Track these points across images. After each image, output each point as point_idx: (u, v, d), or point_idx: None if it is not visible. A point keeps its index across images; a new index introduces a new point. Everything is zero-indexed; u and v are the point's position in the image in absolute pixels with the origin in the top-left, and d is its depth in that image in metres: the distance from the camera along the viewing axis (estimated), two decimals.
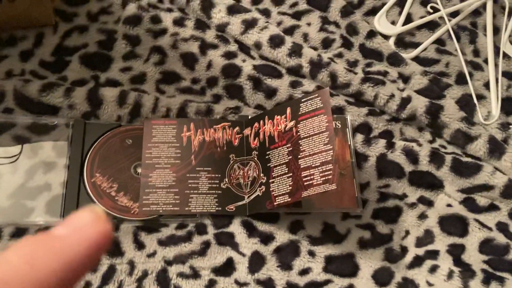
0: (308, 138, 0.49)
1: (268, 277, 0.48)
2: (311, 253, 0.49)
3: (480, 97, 0.60)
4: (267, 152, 0.51)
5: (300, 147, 0.49)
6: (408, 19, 0.64)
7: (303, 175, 0.47)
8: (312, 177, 0.47)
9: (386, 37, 0.63)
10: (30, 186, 0.48)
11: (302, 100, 0.50)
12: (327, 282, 0.48)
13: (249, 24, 0.59)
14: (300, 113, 0.50)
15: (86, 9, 0.58)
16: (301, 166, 0.48)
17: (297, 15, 0.62)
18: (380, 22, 0.64)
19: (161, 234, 0.49)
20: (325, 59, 0.58)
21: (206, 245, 0.49)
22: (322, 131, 0.48)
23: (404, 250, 0.51)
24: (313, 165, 0.47)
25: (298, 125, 0.50)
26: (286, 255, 0.49)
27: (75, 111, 0.52)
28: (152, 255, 0.47)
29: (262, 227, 0.50)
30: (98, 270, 0.46)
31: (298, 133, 0.49)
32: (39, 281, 0.15)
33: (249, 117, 0.55)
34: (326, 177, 0.46)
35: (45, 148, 0.51)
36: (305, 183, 0.47)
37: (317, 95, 0.49)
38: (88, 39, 0.57)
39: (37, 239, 0.16)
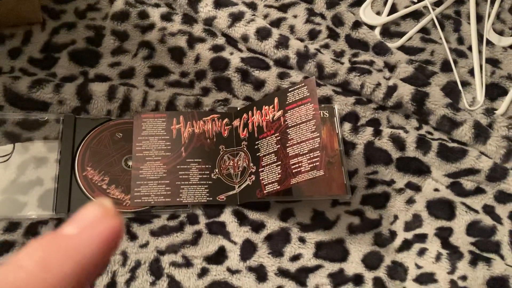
0: (295, 127, 0.49)
1: (260, 264, 0.48)
2: (302, 240, 0.50)
3: (465, 84, 0.61)
4: (256, 142, 0.52)
5: (288, 136, 0.50)
6: (393, 9, 0.65)
7: (291, 162, 0.48)
8: (300, 164, 0.48)
9: (372, 28, 0.64)
10: (22, 181, 0.49)
11: (289, 90, 0.51)
12: (318, 267, 0.49)
13: (236, 17, 0.60)
14: (287, 102, 0.51)
15: (74, 6, 0.59)
16: (289, 154, 0.49)
17: (283, 8, 0.63)
18: (365, 13, 0.65)
19: (153, 225, 0.49)
20: (312, 50, 0.59)
21: (198, 234, 0.49)
22: (309, 119, 0.48)
23: (393, 234, 0.52)
24: (301, 153, 0.48)
25: (285, 114, 0.51)
26: (277, 242, 0.50)
27: (65, 107, 0.53)
28: (144, 245, 0.48)
29: (253, 215, 0.51)
30: None
31: (286, 122, 0.50)
32: (53, 285, 0.15)
33: (238, 109, 0.56)
34: (314, 164, 0.46)
35: (36, 144, 0.51)
36: (294, 171, 0.48)
37: (303, 84, 0.50)
38: (76, 36, 0.57)
39: (48, 241, 0.16)
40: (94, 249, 0.16)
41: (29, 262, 0.15)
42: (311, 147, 0.47)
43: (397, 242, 0.51)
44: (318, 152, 0.47)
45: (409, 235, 0.51)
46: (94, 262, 0.16)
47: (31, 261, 0.15)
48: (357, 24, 0.62)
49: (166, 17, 0.60)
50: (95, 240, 0.16)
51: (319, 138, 0.47)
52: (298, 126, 0.49)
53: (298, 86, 0.50)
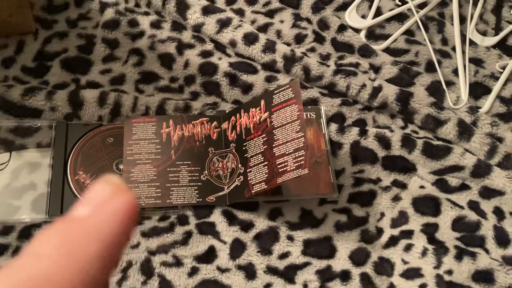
0: (281, 127, 0.51)
1: (249, 262, 0.49)
2: (290, 238, 0.51)
3: (449, 83, 0.62)
4: (244, 144, 0.53)
5: (274, 136, 0.51)
6: (378, 13, 0.67)
7: (277, 162, 0.49)
8: (286, 163, 0.49)
9: (357, 31, 0.65)
10: (16, 185, 0.50)
11: (275, 92, 0.53)
12: (306, 264, 0.50)
13: (224, 24, 0.61)
14: (273, 104, 0.52)
15: (65, 16, 0.61)
16: (276, 154, 0.50)
17: (270, 13, 0.65)
18: (350, 17, 0.66)
19: (144, 226, 0.50)
20: (298, 54, 0.60)
21: (188, 234, 0.50)
22: (294, 119, 0.50)
23: (379, 231, 0.53)
24: (287, 152, 0.49)
25: (271, 116, 0.52)
26: (266, 241, 0.51)
27: (57, 113, 0.54)
28: (136, 246, 0.49)
29: (242, 215, 0.52)
30: None
31: (272, 123, 0.52)
32: (80, 269, 0.14)
33: (226, 112, 0.57)
34: (299, 163, 0.48)
35: (29, 149, 0.52)
36: (280, 170, 0.49)
37: (288, 86, 0.52)
38: (68, 44, 0.59)
39: (63, 226, 0.15)
40: (113, 226, 0.15)
41: (48, 250, 0.14)
42: (296, 147, 0.49)
43: (384, 238, 0.52)
44: (303, 151, 0.48)
45: (396, 232, 0.52)
46: (116, 240, 0.15)
47: (51, 248, 0.14)
48: (343, 28, 0.64)
49: (156, 25, 0.61)
50: (112, 217, 0.16)
51: (303, 138, 0.48)
52: (284, 127, 0.50)
53: (283, 88, 0.52)
